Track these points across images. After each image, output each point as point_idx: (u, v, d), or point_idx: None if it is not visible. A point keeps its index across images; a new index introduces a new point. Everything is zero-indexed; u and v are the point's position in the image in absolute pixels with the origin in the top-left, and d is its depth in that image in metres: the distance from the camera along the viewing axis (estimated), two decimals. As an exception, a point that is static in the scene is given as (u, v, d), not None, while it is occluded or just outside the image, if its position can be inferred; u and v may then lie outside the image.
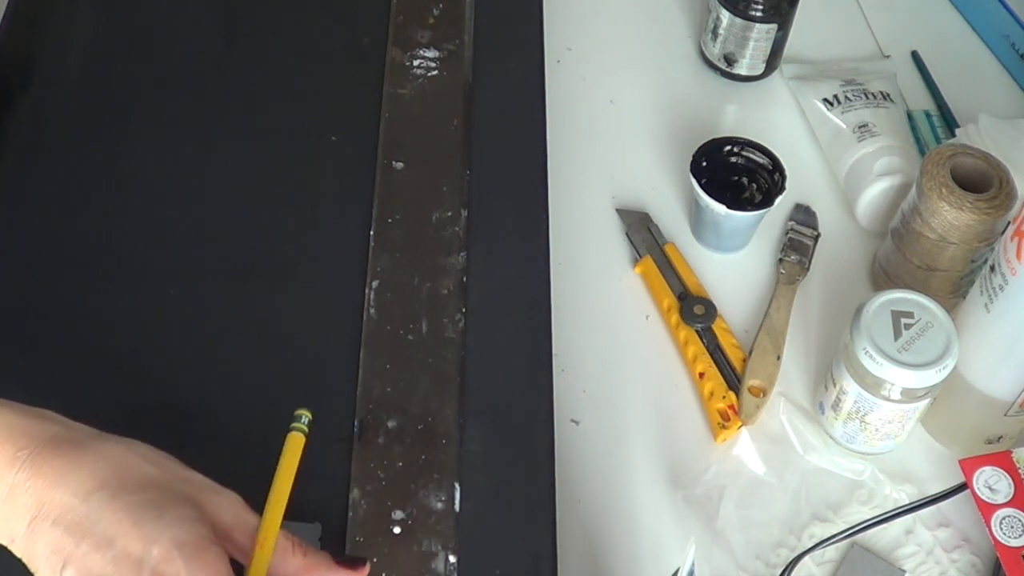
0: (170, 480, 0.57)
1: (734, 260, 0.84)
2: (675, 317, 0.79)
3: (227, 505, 0.57)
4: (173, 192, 0.76)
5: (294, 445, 0.60)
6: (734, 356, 0.77)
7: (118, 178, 0.77)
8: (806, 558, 0.68)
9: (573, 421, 0.75)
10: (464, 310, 0.70)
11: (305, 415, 0.61)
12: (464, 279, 0.72)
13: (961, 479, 0.68)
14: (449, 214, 0.74)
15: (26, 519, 0.55)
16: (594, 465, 0.73)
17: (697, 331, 0.78)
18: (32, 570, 0.56)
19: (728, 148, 0.83)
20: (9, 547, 0.56)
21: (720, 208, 0.79)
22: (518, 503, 0.65)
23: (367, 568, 0.59)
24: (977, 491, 0.67)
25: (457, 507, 0.63)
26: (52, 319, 0.69)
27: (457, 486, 0.64)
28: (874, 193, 0.83)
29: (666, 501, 0.72)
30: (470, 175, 0.77)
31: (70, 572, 0.54)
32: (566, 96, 0.91)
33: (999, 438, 0.73)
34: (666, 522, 0.71)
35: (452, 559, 0.61)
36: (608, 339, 0.79)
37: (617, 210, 0.86)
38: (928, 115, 0.93)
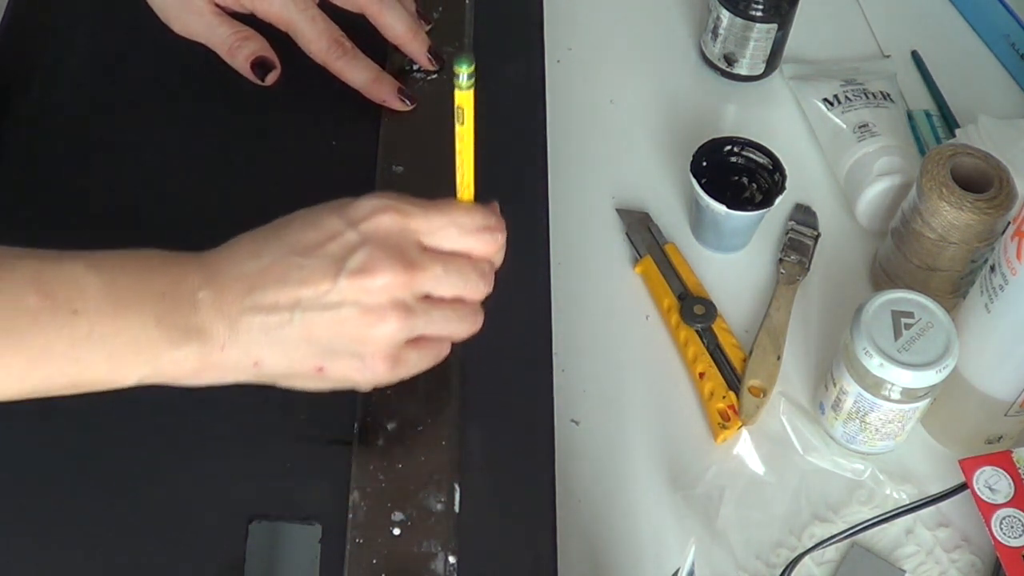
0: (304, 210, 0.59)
1: (734, 260, 0.84)
2: (675, 317, 0.79)
3: (371, 199, 0.59)
4: (171, 194, 0.76)
5: (469, 101, 0.60)
6: (734, 356, 0.78)
7: (116, 179, 0.76)
8: (806, 558, 0.68)
9: (573, 421, 0.75)
10: None
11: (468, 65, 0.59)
12: None
13: (961, 479, 0.68)
14: None
15: (222, 316, 0.54)
16: (594, 465, 0.73)
17: (697, 331, 0.78)
18: (257, 365, 0.56)
19: (728, 148, 0.83)
20: (249, 374, 0.56)
21: (720, 208, 0.79)
22: (518, 503, 0.65)
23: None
24: (977, 491, 0.67)
25: (457, 508, 0.63)
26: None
27: (457, 487, 0.64)
28: (874, 193, 0.83)
29: (666, 501, 0.72)
30: None
31: (302, 303, 0.54)
32: (566, 96, 0.91)
33: (999, 438, 0.73)
34: (666, 522, 0.71)
35: (452, 560, 0.61)
36: (608, 339, 0.79)
37: (617, 210, 0.86)
38: (928, 115, 0.92)
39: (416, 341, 0.58)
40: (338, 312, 0.55)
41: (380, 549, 0.61)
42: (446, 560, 0.61)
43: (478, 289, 0.60)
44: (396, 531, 0.62)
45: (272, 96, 0.81)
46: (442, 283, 0.58)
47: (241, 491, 0.63)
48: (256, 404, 0.66)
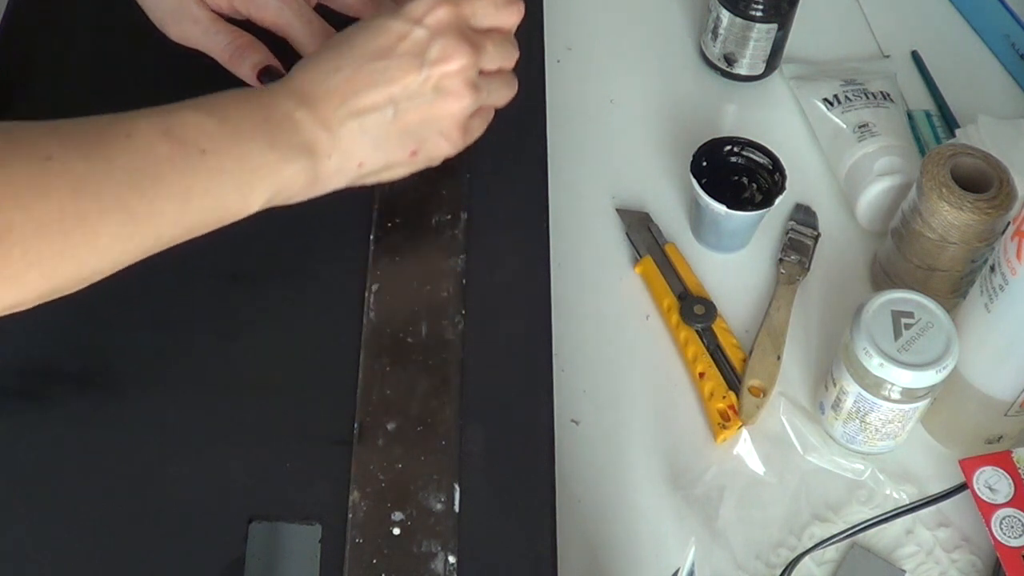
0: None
1: (734, 260, 0.84)
2: (675, 317, 0.79)
3: None
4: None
5: None
6: (734, 356, 0.78)
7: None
8: (806, 558, 0.68)
9: (573, 421, 0.75)
10: (464, 312, 0.70)
11: None
12: (464, 281, 0.72)
13: (961, 479, 0.68)
14: (448, 217, 0.74)
15: (319, 123, 0.61)
16: (594, 465, 0.73)
17: (697, 331, 0.78)
18: (361, 165, 0.64)
19: (728, 148, 0.83)
20: (354, 175, 0.65)
21: (720, 208, 0.79)
22: (518, 503, 0.65)
23: None
24: (977, 491, 0.67)
25: (457, 508, 0.63)
26: (50, 317, 0.69)
27: (457, 487, 0.64)
28: (874, 193, 0.83)
29: (666, 501, 0.72)
30: (470, 177, 0.77)
31: (397, 99, 0.63)
32: (566, 96, 0.91)
33: (999, 438, 0.73)
34: (666, 522, 0.71)
35: (452, 560, 0.61)
36: (608, 339, 0.79)
37: (617, 210, 0.86)
38: (928, 115, 0.92)
39: (476, 111, 0.67)
40: (426, 99, 0.64)
41: (380, 549, 0.61)
42: (446, 560, 0.61)
43: (513, 57, 0.69)
44: (396, 531, 0.62)
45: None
46: (494, 58, 0.67)
47: (241, 491, 0.63)
48: (256, 404, 0.66)
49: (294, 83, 0.63)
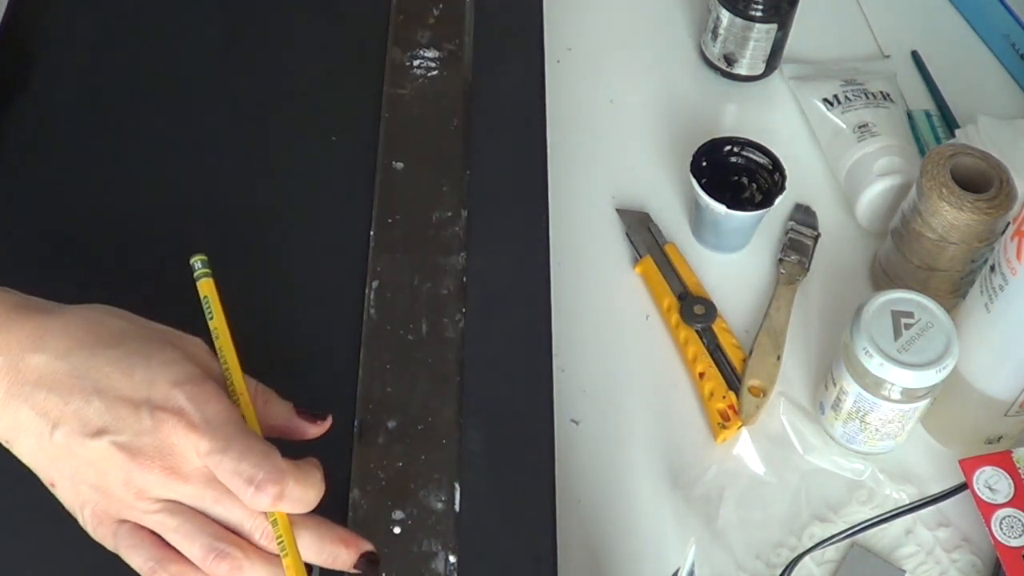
0: (143, 331, 0.57)
1: (734, 260, 0.84)
2: (675, 317, 0.79)
3: (196, 348, 0.57)
4: (172, 192, 0.76)
5: (211, 289, 0.60)
6: (734, 356, 0.77)
7: (116, 178, 0.76)
8: (806, 558, 0.68)
9: (573, 421, 0.75)
10: (464, 310, 0.70)
11: (199, 260, 0.61)
12: (464, 279, 0.72)
13: (961, 479, 0.68)
14: (449, 214, 0.74)
15: (1, 388, 0.53)
16: (594, 465, 0.73)
17: (697, 331, 0.78)
18: (8, 443, 0.54)
19: (728, 148, 0.83)
20: None
21: (720, 208, 0.79)
22: (518, 503, 0.65)
23: (328, 423, 0.59)
24: (977, 491, 0.67)
25: (457, 507, 0.63)
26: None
27: (457, 486, 0.64)
28: (874, 193, 0.83)
29: (666, 501, 0.72)
30: (470, 175, 0.77)
31: (62, 431, 0.53)
32: (566, 96, 0.91)
33: (999, 438, 0.73)
34: (666, 522, 0.71)
35: (452, 559, 0.61)
36: (608, 339, 0.79)
37: (617, 210, 0.86)
38: (928, 115, 0.92)
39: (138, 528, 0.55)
40: (84, 465, 0.53)
41: (380, 548, 0.61)
42: (446, 559, 0.61)
43: (194, 546, 0.53)
44: (396, 530, 0.62)
45: (272, 93, 0.81)
46: (173, 517, 0.54)
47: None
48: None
49: (35, 326, 0.55)
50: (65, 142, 0.78)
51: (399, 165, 0.76)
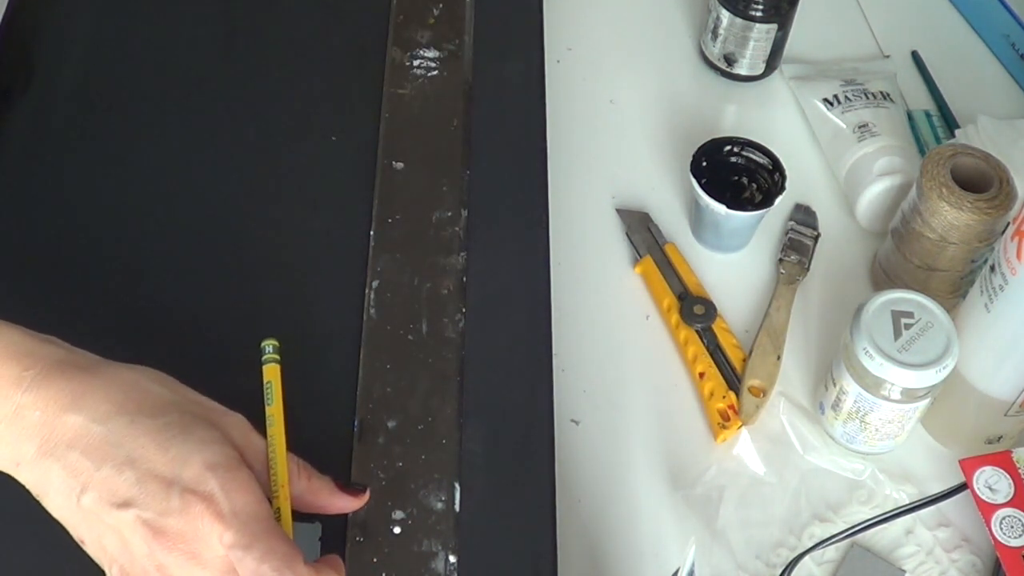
0: (184, 403, 0.56)
1: (734, 260, 0.84)
2: (675, 317, 0.79)
3: (237, 427, 0.57)
4: (172, 192, 0.76)
5: (276, 375, 0.61)
6: (734, 356, 0.77)
7: (116, 179, 0.76)
8: (806, 558, 0.68)
9: (573, 421, 0.75)
10: (464, 310, 0.70)
11: (271, 344, 0.62)
12: (464, 279, 0.72)
13: (961, 479, 0.68)
14: (449, 214, 0.74)
15: (35, 443, 0.53)
16: (594, 465, 0.73)
17: (697, 331, 0.78)
18: (39, 496, 0.54)
19: (728, 148, 0.83)
20: (12, 473, 0.54)
21: (720, 208, 0.79)
22: (518, 503, 0.65)
23: (367, 495, 0.60)
24: (977, 491, 0.67)
25: (457, 507, 0.63)
26: (51, 321, 0.69)
27: (457, 486, 0.64)
28: (874, 193, 0.83)
29: (666, 501, 0.72)
30: (470, 175, 0.77)
31: (90, 497, 0.53)
32: (566, 96, 0.91)
33: (999, 438, 0.73)
34: (666, 522, 0.71)
35: (452, 559, 0.61)
36: (608, 339, 0.79)
37: (617, 210, 0.86)
38: (928, 115, 0.92)
39: None
40: (109, 531, 0.53)
41: (380, 548, 0.61)
42: (446, 559, 0.61)
43: None
44: (396, 529, 0.62)
45: (272, 93, 0.81)
46: None
47: None
48: (257, 403, 0.66)
49: (73, 385, 0.54)
50: (64, 142, 0.78)
51: (399, 165, 0.76)
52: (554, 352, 0.72)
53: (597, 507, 0.71)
